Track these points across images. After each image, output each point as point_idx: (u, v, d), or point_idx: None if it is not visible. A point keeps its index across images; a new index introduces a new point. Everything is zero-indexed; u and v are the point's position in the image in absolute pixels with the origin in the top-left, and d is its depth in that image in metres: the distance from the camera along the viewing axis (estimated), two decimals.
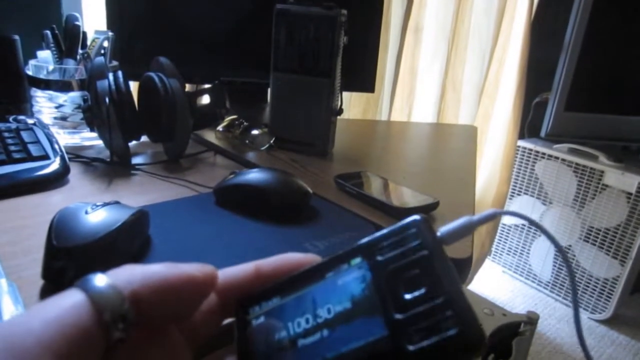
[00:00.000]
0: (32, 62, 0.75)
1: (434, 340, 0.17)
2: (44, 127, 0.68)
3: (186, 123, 0.70)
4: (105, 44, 0.78)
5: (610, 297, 1.65)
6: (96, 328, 0.17)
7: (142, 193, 0.61)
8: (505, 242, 1.94)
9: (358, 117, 1.49)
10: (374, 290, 0.20)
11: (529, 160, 1.79)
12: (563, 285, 1.78)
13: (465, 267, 0.50)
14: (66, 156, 0.64)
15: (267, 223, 0.53)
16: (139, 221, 0.44)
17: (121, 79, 0.66)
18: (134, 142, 0.73)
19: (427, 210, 0.59)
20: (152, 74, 0.69)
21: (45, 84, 0.74)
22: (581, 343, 0.20)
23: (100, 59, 0.69)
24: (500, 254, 1.97)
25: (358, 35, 0.79)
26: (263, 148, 0.81)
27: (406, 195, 0.63)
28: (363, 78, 0.95)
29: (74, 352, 0.17)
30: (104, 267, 0.40)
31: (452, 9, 1.54)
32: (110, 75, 0.66)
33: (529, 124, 1.83)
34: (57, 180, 0.60)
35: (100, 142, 0.74)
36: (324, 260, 0.23)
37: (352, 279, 0.21)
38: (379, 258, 0.21)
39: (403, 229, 0.22)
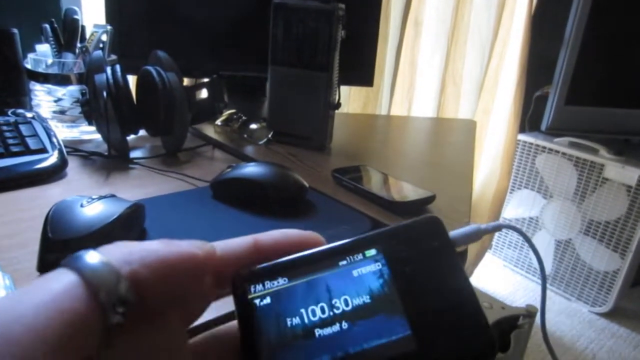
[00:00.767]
0: (30, 55, 0.75)
1: (452, 346, 0.18)
2: (42, 120, 0.69)
3: (184, 117, 0.71)
4: (104, 37, 0.78)
5: (610, 290, 1.65)
6: (91, 311, 0.16)
7: (139, 187, 0.61)
8: (506, 236, 1.94)
9: (358, 111, 1.49)
10: (393, 288, 0.20)
11: (529, 154, 1.79)
12: (563, 279, 1.78)
13: (460, 260, 0.50)
14: (64, 150, 0.64)
15: (263, 217, 0.53)
16: (134, 214, 0.44)
17: (119, 73, 0.66)
18: (132, 136, 0.73)
19: (423, 203, 0.59)
20: (150, 68, 0.69)
21: (43, 78, 0.74)
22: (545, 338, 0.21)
23: (99, 52, 0.69)
24: (501, 248, 1.98)
25: (357, 29, 0.79)
26: (261, 142, 0.81)
27: (403, 189, 0.64)
28: (362, 72, 0.95)
29: (68, 339, 0.15)
30: None
31: (452, 2, 1.53)
32: (109, 69, 0.66)
33: (529, 118, 1.82)
34: (55, 173, 0.61)
35: (98, 136, 0.74)
36: (334, 246, 0.22)
37: (369, 273, 0.20)
38: (397, 254, 0.21)
39: (419, 226, 0.21)
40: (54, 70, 0.75)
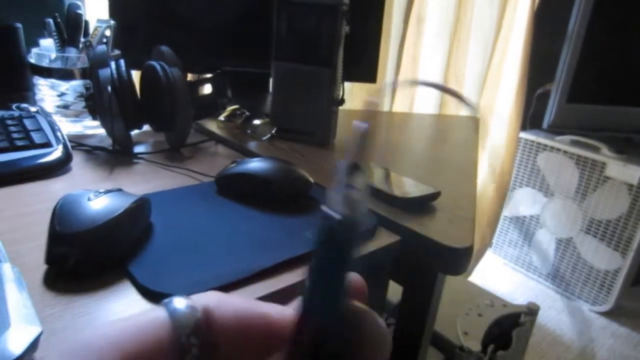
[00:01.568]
0: (34, 50, 0.75)
1: None
2: (46, 115, 0.68)
3: (187, 112, 0.71)
4: (107, 32, 0.78)
5: (611, 289, 1.65)
6: (169, 344, 0.18)
7: (143, 181, 0.61)
8: (507, 234, 1.95)
9: (359, 108, 1.49)
10: None
11: (530, 152, 1.79)
12: (564, 278, 1.78)
13: (465, 257, 0.50)
14: (68, 144, 0.64)
15: (267, 212, 0.53)
16: (140, 208, 0.44)
17: (123, 68, 0.66)
18: (135, 131, 0.73)
19: (427, 200, 0.59)
20: (154, 63, 0.69)
21: (47, 72, 0.74)
22: None
23: (102, 47, 0.69)
24: (502, 246, 1.98)
25: (360, 26, 0.79)
26: (264, 138, 0.81)
27: (407, 186, 0.64)
28: (365, 69, 0.95)
29: (143, 356, 0.17)
30: (105, 253, 0.40)
31: None
32: (113, 64, 0.66)
33: (531, 116, 1.82)
34: (60, 167, 0.61)
35: (101, 131, 0.74)
36: None
37: None
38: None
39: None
40: (57, 65, 0.75)
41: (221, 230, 0.49)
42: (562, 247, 1.76)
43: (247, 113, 0.85)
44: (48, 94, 0.75)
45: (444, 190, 0.60)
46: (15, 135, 0.61)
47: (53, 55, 0.76)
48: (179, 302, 0.19)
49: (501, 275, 1.92)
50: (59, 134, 0.65)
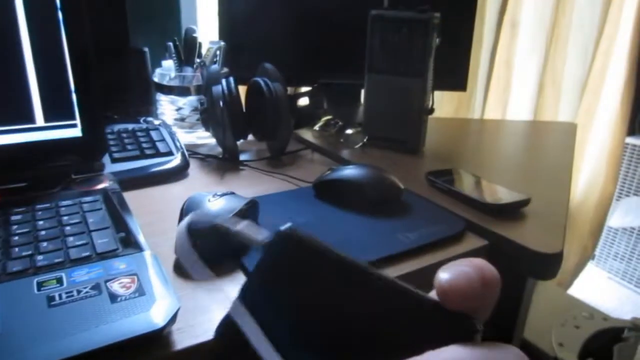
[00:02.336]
0: (157, 70, 0.86)
1: None
2: (167, 127, 0.79)
3: (288, 123, 0.77)
4: (218, 52, 0.87)
5: None
6: None
7: (249, 186, 0.68)
8: (612, 246, 1.82)
9: (450, 116, 1.49)
10: None
11: (639, 159, 1.67)
12: None
13: (555, 262, 0.51)
14: (186, 153, 0.73)
15: (362, 215, 0.57)
16: (252, 209, 0.51)
17: (232, 85, 0.74)
18: (241, 141, 0.81)
19: (517, 207, 0.60)
20: (259, 79, 0.76)
21: (168, 89, 0.84)
22: None
23: (216, 67, 0.77)
24: (606, 259, 1.86)
25: (450, 36, 0.81)
26: (357, 146, 0.86)
27: (496, 192, 0.65)
28: (455, 77, 0.96)
29: None
30: (225, 246, 0.47)
31: (551, 0, 1.48)
32: (224, 81, 0.74)
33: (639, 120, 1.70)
34: (179, 173, 0.70)
35: (211, 141, 0.83)
36: None
37: None
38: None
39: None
40: (176, 82, 0.85)
41: (320, 230, 0.54)
42: None
43: (341, 123, 0.90)
44: (168, 108, 0.85)
45: (536, 197, 0.61)
46: (144, 145, 0.71)
47: (172, 74, 0.86)
48: None
49: (605, 289, 1.80)
50: (178, 143, 0.74)
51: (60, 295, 0.35)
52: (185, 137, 0.86)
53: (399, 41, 0.79)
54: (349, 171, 0.62)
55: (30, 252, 0.40)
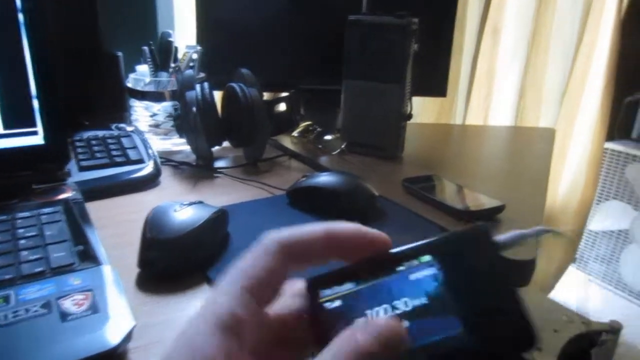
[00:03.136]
0: (131, 75, 0.84)
1: (497, 340, 0.20)
2: (140, 133, 0.77)
3: (264, 129, 0.76)
4: (194, 56, 0.85)
5: None
6: None
7: (223, 194, 0.66)
8: (592, 249, 1.84)
9: (431, 121, 1.49)
10: (446, 290, 0.22)
11: (618, 164, 1.68)
12: None
13: (527, 270, 0.50)
14: (158, 160, 0.71)
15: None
16: (219, 219, 0.49)
17: (207, 90, 0.73)
18: (216, 147, 0.79)
19: (492, 213, 0.60)
20: (234, 84, 0.75)
21: (142, 95, 0.82)
22: None
23: (190, 72, 0.76)
24: (587, 262, 1.87)
25: (430, 41, 0.81)
26: (335, 152, 0.85)
27: (472, 198, 0.64)
28: (434, 83, 0.96)
29: None
30: (188, 259, 0.45)
31: (533, 7, 1.49)
32: (198, 87, 0.73)
33: (619, 125, 1.72)
34: (151, 181, 0.68)
35: (186, 147, 0.81)
36: (393, 253, 0.24)
37: (425, 277, 0.22)
38: (449, 259, 0.23)
39: (469, 233, 0.24)
40: (150, 88, 0.84)
41: None
42: None
43: (319, 129, 0.89)
44: (142, 115, 0.83)
45: (512, 203, 0.61)
46: (114, 153, 0.69)
47: (147, 80, 0.84)
48: None
49: (586, 292, 1.81)
50: (150, 151, 0.72)
51: (5, 316, 0.33)
52: (160, 144, 0.84)
53: (376, 47, 0.79)
54: (323, 178, 0.61)
55: None
